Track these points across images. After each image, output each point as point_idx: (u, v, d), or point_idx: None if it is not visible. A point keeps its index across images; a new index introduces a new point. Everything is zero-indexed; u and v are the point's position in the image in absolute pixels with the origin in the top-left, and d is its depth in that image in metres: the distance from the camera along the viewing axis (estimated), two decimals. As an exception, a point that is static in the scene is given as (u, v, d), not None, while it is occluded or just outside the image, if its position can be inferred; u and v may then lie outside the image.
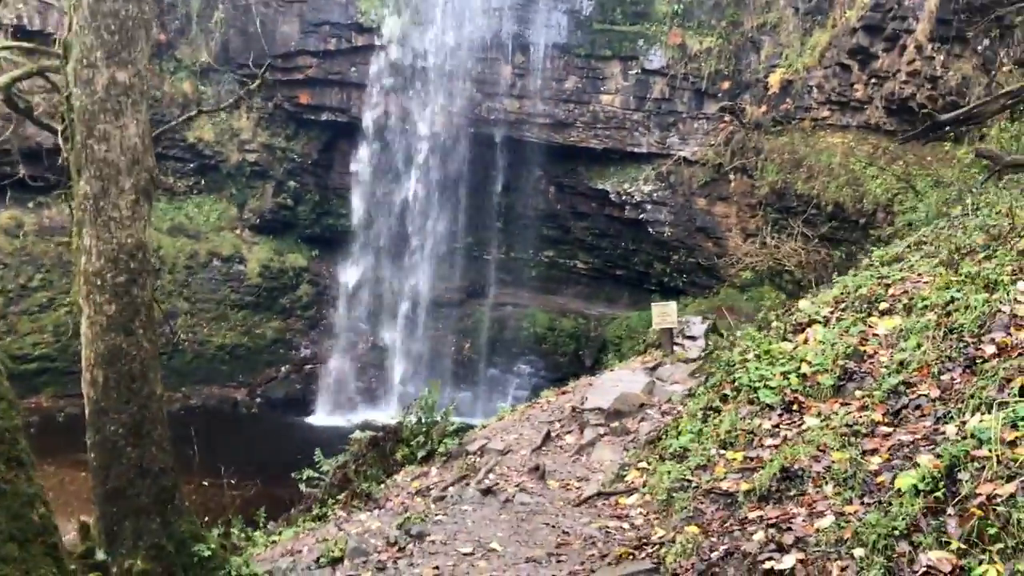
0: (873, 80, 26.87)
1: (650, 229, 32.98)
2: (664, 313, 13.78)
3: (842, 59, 27.62)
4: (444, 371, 34.17)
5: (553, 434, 11.74)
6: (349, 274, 35.86)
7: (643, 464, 8.66)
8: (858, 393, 6.82)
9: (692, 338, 14.02)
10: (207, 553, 7.23)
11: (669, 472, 7.41)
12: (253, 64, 34.00)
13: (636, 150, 32.58)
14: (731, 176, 31.23)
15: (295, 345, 35.35)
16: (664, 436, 9.13)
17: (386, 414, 32.72)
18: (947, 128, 14.47)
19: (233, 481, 16.10)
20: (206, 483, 19.89)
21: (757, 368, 7.76)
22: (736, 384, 8.04)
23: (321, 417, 32.58)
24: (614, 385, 12.15)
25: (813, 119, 28.92)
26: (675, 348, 14.00)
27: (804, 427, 6.61)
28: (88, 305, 7.19)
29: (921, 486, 4.59)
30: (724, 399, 8.14)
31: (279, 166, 35.80)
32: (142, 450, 7.15)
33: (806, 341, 8.05)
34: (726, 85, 31.03)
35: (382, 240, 35.70)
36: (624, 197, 33.01)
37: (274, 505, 16.32)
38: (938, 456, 4.76)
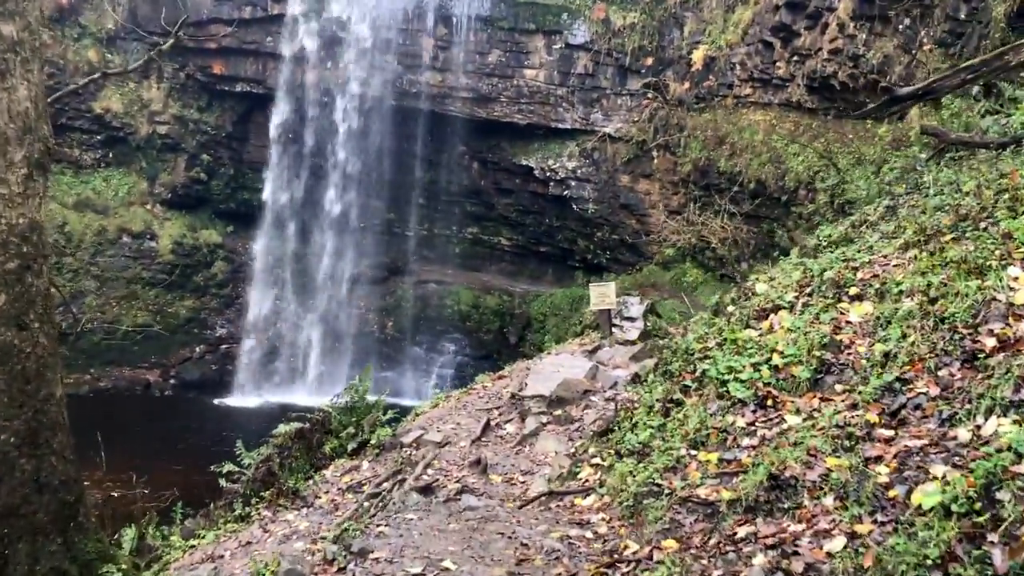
0: (795, 58, 26.63)
1: (574, 206, 32.40)
2: (603, 294, 13.13)
3: (765, 36, 27.30)
4: (366, 350, 33.16)
5: (493, 423, 10.98)
6: (265, 250, 34.38)
7: (596, 460, 7.97)
8: (838, 387, 6.23)
9: (630, 319, 13.41)
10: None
11: (632, 473, 6.73)
12: (164, 30, 32.27)
13: (560, 126, 31.87)
14: (655, 153, 30.82)
15: (210, 324, 33.84)
16: (616, 428, 8.46)
17: (305, 395, 31.63)
18: (906, 102, 14.01)
19: (145, 488, 14.88)
20: (115, 486, 18.62)
21: (723, 358, 7.12)
22: (699, 375, 7.40)
23: (238, 398, 31.25)
24: (555, 370, 11.45)
25: (736, 96, 28.61)
26: (613, 330, 13.37)
27: (785, 426, 5.98)
28: (-28, 296, 6.09)
29: (955, 507, 3.98)
30: (686, 391, 7.48)
31: (192, 139, 34.07)
32: (39, 461, 6.16)
33: (772, 329, 7.44)
34: (649, 61, 30.51)
35: (300, 216, 34.33)
36: (548, 173, 32.33)
37: (192, 494, 15.24)
38: (969, 471, 4.17)
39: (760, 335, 7.43)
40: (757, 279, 9.39)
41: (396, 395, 32.24)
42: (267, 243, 34.36)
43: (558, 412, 10.57)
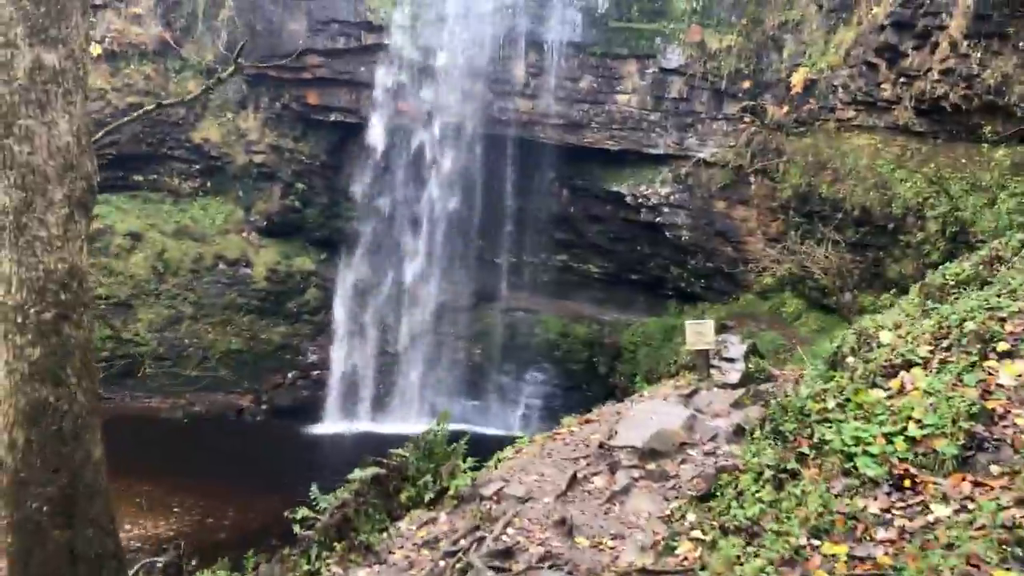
0: (902, 79, 24.98)
1: (667, 233, 31.22)
2: (699, 333, 12.05)
3: (869, 57, 25.75)
4: (454, 378, 32.51)
5: (580, 475, 10.01)
6: (356, 277, 34.13)
7: (697, 533, 6.94)
8: (995, 469, 5.11)
9: (730, 360, 12.30)
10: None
11: (740, 559, 5.69)
12: (260, 60, 32.48)
13: (653, 151, 30.79)
14: (752, 179, 29.46)
15: (302, 350, 33.70)
16: (719, 492, 7.42)
17: (394, 423, 31.11)
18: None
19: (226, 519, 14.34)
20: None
21: (849, 424, 6.03)
22: (818, 442, 6.32)
23: (329, 425, 30.92)
24: (648, 417, 10.42)
25: (838, 120, 27.09)
26: (711, 371, 12.27)
27: (931, 518, 4.90)
28: (7, 348, 5.47)
29: None
30: (802, 460, 6.41)
31: (287, 167, 34.14)
32: (74, 532, 5.46)
33: (904, 390, 6.32)
34: (746, 85, 29.22)
35: (392, 243, 34.00)
36: (640, 200, 31.25)
37: (277, 527, 14.68)
38: None
39: (890, 397, 6.31)
40: (880, 326, 8.22)
41: (482, 424, 31.52)
42: (358, 270, 34.11)
43: (652, 466, 9.54)
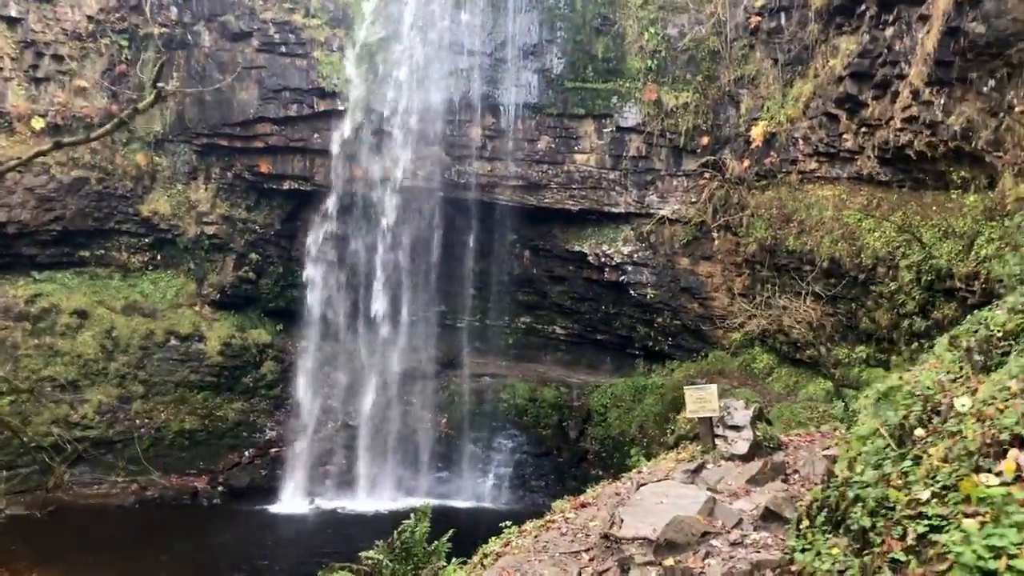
0: (864, 129, 24.20)
1: (631, 291, 29.96)
2: (702, 399, 10.56)
3: (829, 109, 24.99)
4: (420, 450, 30.56)
5: (585, 575, 8.36)
6: (314, 349, 32.22)
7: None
8: None
9: (736, 428, 10.81)
10: None
11: None
12: (210, 131, 30.97)
13: (614, 210, 29.68)
14: (715, 234, 28.44)
15: (259, 427, 31.56)
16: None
17: (358, 499, 29.05)
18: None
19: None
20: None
21: (973, 529, 4.52)
22: (915, 546, 4.80)
23: (288, 505, 28.67)
24: (656, 501, 8.84)
25: (800, 172, 26.22)
26: (717, 441, 10.76)
27: None
28: None
29: None
30: (898, 569, 4.87)
31: (240, 238, 32.40)
32: None
33: (1021, 475, 4.85)
34: (705, 141, 28.35)
35: (350, 312, 32.27)
36: (603, 259, 30.03)
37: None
38: None
39: (1005, 484, 4.82)
40: (941, 389, 6.78)
41: (451, 496, 29.59)
42: (316, 341, 32.24)
43: (670, 562, 7.93)
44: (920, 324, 21.77)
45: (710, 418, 10.73)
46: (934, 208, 22.05)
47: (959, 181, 21.51)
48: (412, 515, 9.70)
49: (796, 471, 9.84)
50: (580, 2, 29.18)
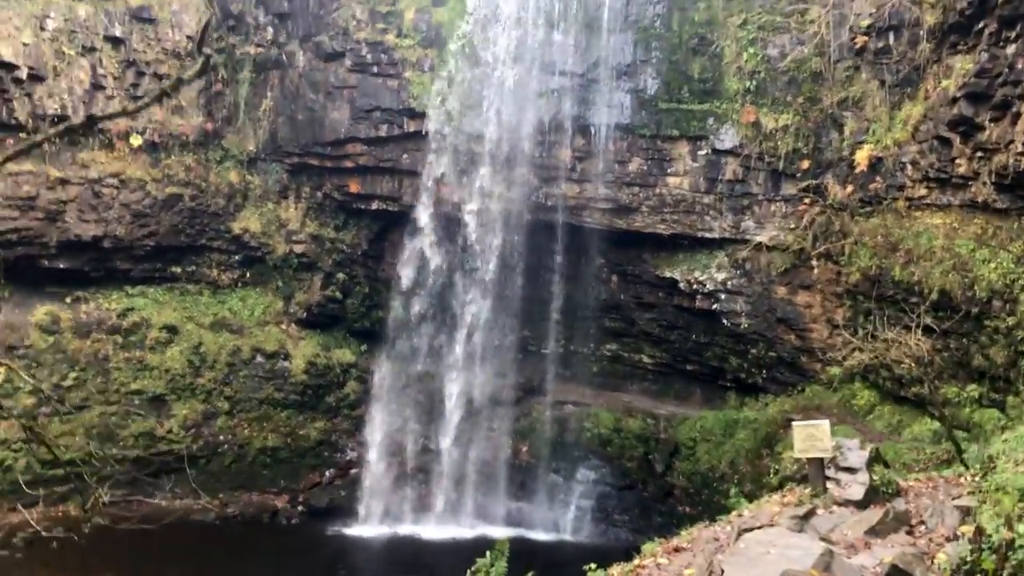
0: (979, 153, 22.59)
1: (724, 320, 28.69)
2: (812, 436, 9.50)
3: (940, 132, 23.45)
4: (499, 478, 29.78)
5: (681, 633, 7.41)
6: (397, 370, 31.81)
7: None
8: None
9: (850, 470, 9.72)
10: None
11: None
12: (302, 151, 31.08)
13: (707, 235, 28.52)
14: (814, 262, 27.00)
15: (340, 447, 31.30)
16: None
17: (434, 526, 28.41)
18: None
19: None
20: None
21: None
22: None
23: (367, 528, 28.25)
24: (763, 551, 7.84)
25: (908, 198, 24.67)
26: (828, 484, 9.67)
27: None
28: None
29: None
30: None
31: (328, 257, 32.35)
32: None
33: None
34: (805, 165, 27.01)
35: (434, 334, 31.80)
36: (695, 286, 28.86)
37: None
38: None
39: None
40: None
41: (529, 526, 28.69)
42: (399, 362, 31.85)
43: (780, 623, 6.90)
44: (1041, 363, 20.03)
45: (821, 459, 9.65)
46: (1059, 238, 20.34)
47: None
48: (488, 553, 8.90)
49: (922, 522, 8.70)
50: (676, 22, 28.27)
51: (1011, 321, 21.03)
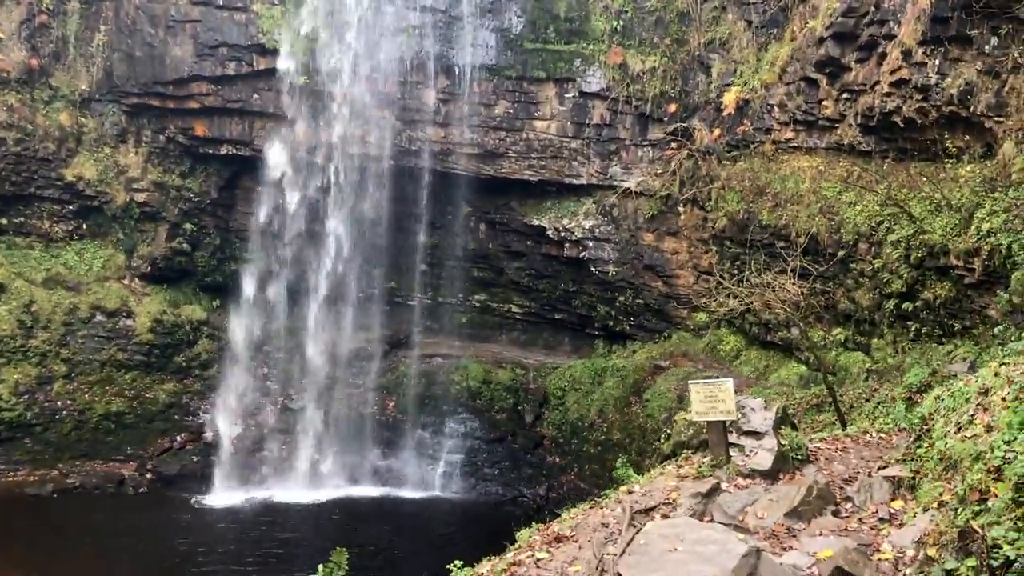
0: (846, 95, 21.66)
1: (592, 268, 27.23)
2: (712, 397, 7.79)
3: (808, 73, 22.42)
4: (365, 435, 27.56)
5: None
6: (253, 326, 28.92)
7: None
8: None
9: (754, 434, 8.10)
10: None
11: None
12: (141, 90, 27.44)
13: (575, 181, 26.89)
14: (681, 208, 25.82)
15: (192, 410, 28.27)
16: None
17: (297, 489, 25.98)
18: None
19: None
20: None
21: None
22: None
23: (222, 496, 25.48)
24: (668, 547, 6.06)
25: (775, 142, 23.63)
26: (731, 452, 7.98)
27: None
28: None
29: None
30: None
31: (173, 206, 28.96)
32: None
33: None
34: (673, 108, 25.64)
35: (291, 287, 29.04)
36: (563, 233, 27.24)
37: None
38: None
39: None
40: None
41: (399, 484, 26.72)
42: (255, 318, 28.96)
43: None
44: (907, 305, 19.27)
45: (723, 422, 7.95)
46: (923, 180, 19.50)
47: (953, 150, 18.97)
48: (321, 567, 6.80)
49: (848, 498, 7.16)
50: (542, -42, 26.11)
51: (877, 264, 20.23)
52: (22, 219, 28.02)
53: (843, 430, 13.12)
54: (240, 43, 26.78)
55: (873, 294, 20.70)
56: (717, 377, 22.58)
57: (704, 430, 8.25)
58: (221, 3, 26.66)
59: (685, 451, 8.84)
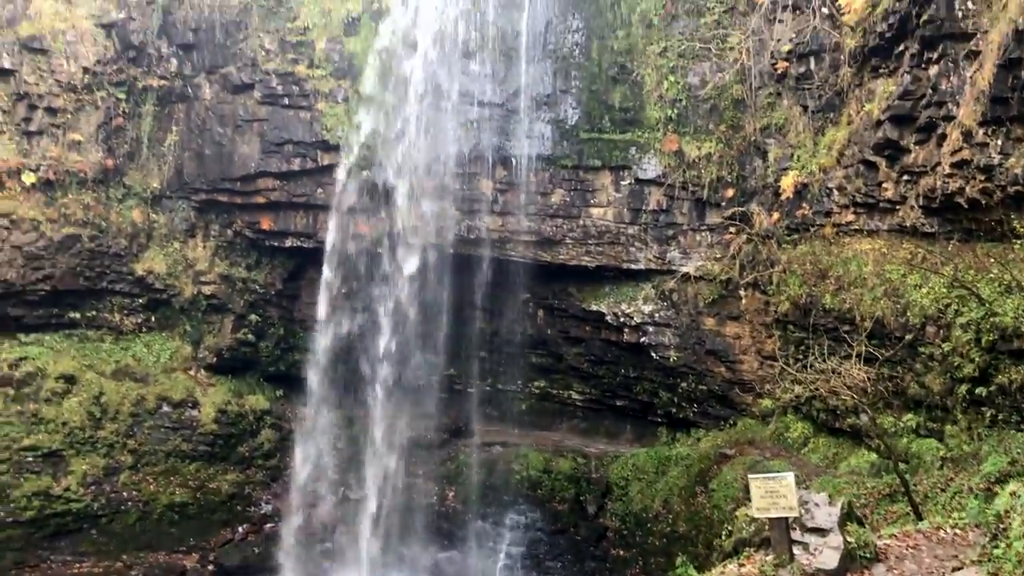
0: (906, 177, 21.57)
1: (653, 354, 27.13)
2: (773, 492, 7.72)
3: (866, 156, 22.42)
4: (425, 526, 27.47)
5: None
6: (315, 415, 29.34)
7: None
8: None
9: (819, 531, 7.97)
10: None
11: None
12: (210, 187, 28.70)
13: (633, 267, 27.04)
14: (742, 292, 25.71)
15: (255, 500, 28.62)
16: None
17: (359, 581, 25.97)
18: None
19: None
20: None
21: None
22: None
23: (284, 586, 25.55)
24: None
25: (835, 224, 23.56)
26: (795, 549, 7.86)
27: None
28: None
29: None
30: None
31: (239, 298, 29.89)
32: None
33: None
34: (730, 193, 25.80)
35: (353, 377, 29.48)
36: (622, 319, 27.29)
37: None
38: None
39: None
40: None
41: (459, 577, 26.51)
42: (316, 408, 29.39)
43: None
44: (981, 390, 18.79)
45: (786, 518, 7.86)
46: (991, 261, 19.21)
47: (1021, 230, 18.70)
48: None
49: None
50: (596, 50, 26.93)
51: (946, 347, 19.81)
52: (94, 313, 29.16)
53: (918, 522, 12.75)
54: (305, 140, 27.93)
55: (944, 378, 20.22)
56: (784, 466, 22.22)
57: (766, 527, 8.15)
58: (287, 103, 27.95)
59: (747, 549, 8.70)
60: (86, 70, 27.65)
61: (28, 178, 27.20)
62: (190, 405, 28.51)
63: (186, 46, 28.65)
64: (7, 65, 26.72)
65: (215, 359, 29.37)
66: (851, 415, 23.17)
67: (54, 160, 27.59)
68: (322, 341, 29.20)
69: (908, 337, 20.85)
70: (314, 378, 29.35)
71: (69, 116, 27.75)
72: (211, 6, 28.17)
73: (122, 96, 28.45)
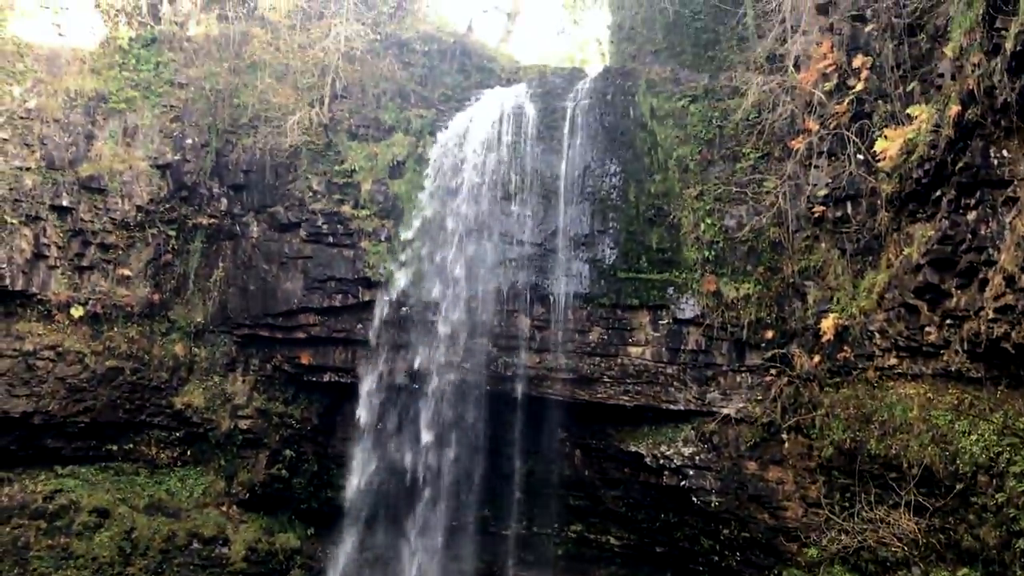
0: (948, 321, 21.52)
1: (694, 498, 26.65)
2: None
3: (907, 299, 22.46)
4: None
5: None
6: (347, 555, 28.97)
7: None
8: None
9: None
10: None
11: None
12: (252, 322, 29.41)
13: (672, 407, 26.96)
14: (784, 436, 25.44)
15: (282, 644, 27.98)
16: None
17: None
18: None
19: None
20: None
21: None
22: None
23: None
24: None
25: (878, 368, 23.46)
26: None
27: None
28: None
29: None
30: None
31: (275, 433, 30.13)
32: None
33: None
34: (769, 334, 25.90)
35: (385, 515, 29.26)
36: (661, 461, 26.98)
37: None
38: None
39: None
40: None
41: None
42: (349, 548, 29.06)
43: None
44: (1039, 545, 18.19)
45: None
46: (1043, 408, 18.97)
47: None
48: None
49: None
50: (633, 193, 27.81)
51: (1000, 498, 19.29)
52: (131, 445, 29.51)
53: None
54: (347, 277, 28.75)
55: (1000, 531, 19.59)
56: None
57: None
58: (332, 241, 28.94)
59: None
60: (139, 208, 29.00)
61: (76, 311, 28.16)
62: (220, 542, 28.34)
63: (237, 186, 30.03)
64: (66, 203, 28.11)
65: (248, 495, 29.36)
66: (902, 568, 22.41)
67: (103, 294, 28.62)
68: (359, 479, 29.12)
69: (959, 486, 20.37)
70: (348, 518, 29.13)
71: (120, 252, 28.95)
72: (263, 149, 29.66)
73: (172, 233, 29.69)
